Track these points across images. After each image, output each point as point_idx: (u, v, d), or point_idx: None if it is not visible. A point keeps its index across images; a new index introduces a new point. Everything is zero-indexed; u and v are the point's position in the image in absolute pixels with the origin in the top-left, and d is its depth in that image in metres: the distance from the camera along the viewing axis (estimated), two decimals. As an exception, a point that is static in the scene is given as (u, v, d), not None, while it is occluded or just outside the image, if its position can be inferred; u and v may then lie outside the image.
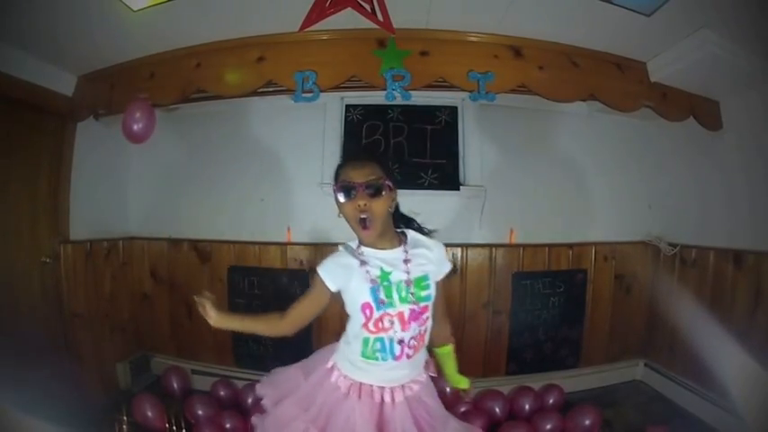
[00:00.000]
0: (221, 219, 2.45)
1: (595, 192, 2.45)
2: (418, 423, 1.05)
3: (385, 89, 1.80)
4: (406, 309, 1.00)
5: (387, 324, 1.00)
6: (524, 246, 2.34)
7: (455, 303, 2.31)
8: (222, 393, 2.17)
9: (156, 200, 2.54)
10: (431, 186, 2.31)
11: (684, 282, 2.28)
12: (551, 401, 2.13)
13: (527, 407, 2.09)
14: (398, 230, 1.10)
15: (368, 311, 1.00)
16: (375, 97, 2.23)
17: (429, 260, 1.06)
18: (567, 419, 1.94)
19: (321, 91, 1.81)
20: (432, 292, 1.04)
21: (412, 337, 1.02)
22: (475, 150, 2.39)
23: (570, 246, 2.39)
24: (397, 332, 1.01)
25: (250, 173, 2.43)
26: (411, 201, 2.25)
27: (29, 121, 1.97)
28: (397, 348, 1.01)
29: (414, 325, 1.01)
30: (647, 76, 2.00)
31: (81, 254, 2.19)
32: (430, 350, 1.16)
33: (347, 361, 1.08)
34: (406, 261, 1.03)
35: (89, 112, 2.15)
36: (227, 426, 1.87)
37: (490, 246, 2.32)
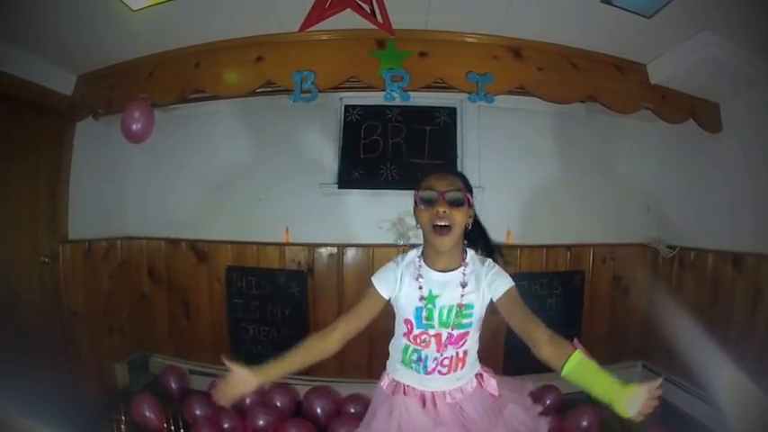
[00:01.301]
0: (219, 219, 2.45)
1: (594, 193, 2.45)
2: (463, 423, 1.07)
3: (384, 90, 1.79)
4: (444, 332, 1.04)
5: (423, 342, 1.06)
6: (522, 247, 2.34)
7: (453, 304, 2.32)
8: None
9: (155, 199, 2.54)
10: (430, 187, 2.31)
11: (683, 284, 2.28)
12: (548, 402, 2.13)
13: (525, 408, 2.09)
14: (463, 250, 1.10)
15: (408, 326, 1.07)
16: (374, 98, 2.22)
17: (478, 286, 1.05)
18: (564, 420, 1.94)
19: (320, 91, 1.81)
20: (473, 320, 1.06)
21: (446, 357, 1.06)
22: (473, 151, 2.39)
23: (568, 247, 2.39)
24: (432, 351, 1.06)
25: (248, 173, 2.43)
26: (409, 201, 2.27)
27: (28, 121, 1.97)
28: (431, 365, 1.06)
29: (450, 348, 1.06)
30: (646, 78, 2.00)
31: (79, 253, 2.19)
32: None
33: (394, 362, 1.14)
34: (461, 285, 1.05)
35: (88, 112, 2.15)
36: (226, 426, 1.88)
37: (488, 247, 2.32)
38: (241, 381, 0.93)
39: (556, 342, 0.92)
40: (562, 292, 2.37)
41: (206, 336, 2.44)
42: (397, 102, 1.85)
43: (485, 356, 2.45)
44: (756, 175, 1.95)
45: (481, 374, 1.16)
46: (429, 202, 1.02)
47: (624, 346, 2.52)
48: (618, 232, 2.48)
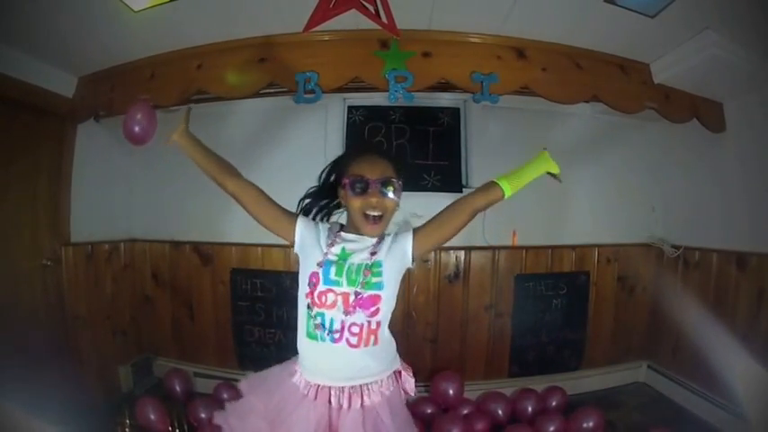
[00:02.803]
0: (223, 221, 2.43)
1: (598, 193, 2.45)
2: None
3: (387, 90, 1.79)
4: (351, 291, 0.97)
5: (329, 301, 0.97)
6: (527, 248, 2.34)
7: (458, 306, 2.31)
8: (225, 396, 2.16)
9: (158, 202, 2.53)
10: (433, 188, 2.31)
11: (687, 284, 2.28)
12: (554, 403, 2.13)
13: (529, 409, 2.08)
14: None
15: (314, 280, 0.99)
16: (377, 99, 2.22)
17: (389, 247, 1.03)
18: (569, 421, 1.94)
19: (323, 92, 1.79)
20: (384, 280, 0.99)
21: (355, 324, 0.97)
22: (477, 152, 2.38)
23: (573, 248, 2.39)
24: (338, 312, 0.97)
25: (252, 175, 2.40)
26: (413, 203, 2.26)
27: (29, 123, 1.96)
28: (337, 329, 0.97)
29: (360, 312, 0.97)
30: (650, 78, 1.99)
31: (82, 256, 2.18)
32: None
33: (301, 357, 1.06)
34: (371, 251, 1.02)
35: (89, 114, 2.13)
36: (230, 429, 1.87)
37: (493, 248, 2.31)
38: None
39: (476, 192, 1.09)
40: (567, 292, 2.36)
41: (210, 338, 2.43)
42: (401, 102, 1.84)
43: (491, 359, 2.46)
44: (760, 174, 1.95)
45: (399, 372, 1.09)
46: (361, 190, 0.99)
47: (629, 345, 2.52)
48: (622, 232, 2.47)
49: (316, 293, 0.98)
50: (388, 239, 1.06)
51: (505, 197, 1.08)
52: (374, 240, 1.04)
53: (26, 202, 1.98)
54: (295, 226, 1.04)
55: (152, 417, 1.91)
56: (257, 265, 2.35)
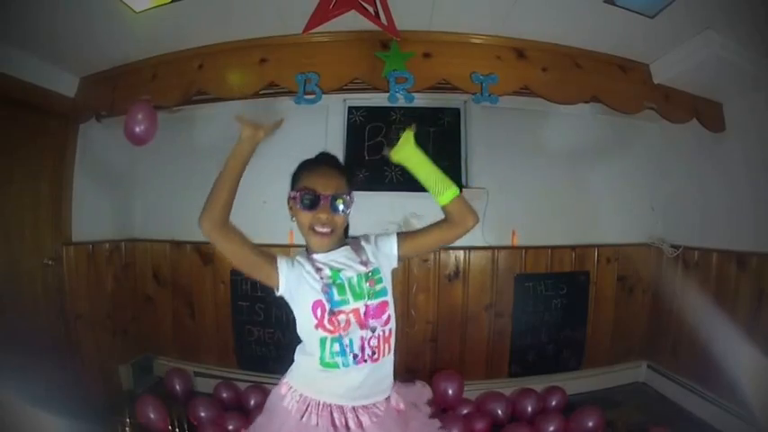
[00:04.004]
0: (223, 221, 2.44)
1: (598, 193, 2.45)
2: None
3: (388, 91, 1.79)
4: (360, 306, 0.94)
5: (342, 323, 0.92)
6: (527, 248, 2.34)
7: (457, 306, 2.31)
8: (225, 395, 2.17)
9: (159, 201, 2.54)
10: (433, 188, 2.31)
11: (687, 283, 2.28)
12: (554, 403, 2.13)
13: (529, 409, 2.09)
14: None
15: (319, 310, 0.93)
16: (378, 99, 2.22)
17: (373, 253, 1.01)
18: (569, 421, 1.94)
19: (323, 93, 1.80)
20: (385, 285, 0.97)
21: (373, 337, 0.94)
22: (477, 152, 2.38)
23: (573, 248, 2.39)
24: (355, 331, 0.93)
25: (252, 175, 2.41)
26: (413, 203, 2.28)
27: (31, 123, 1.97)
28: (358, 351, 0.93)
29: (373, 323, 0.94)
30: (650, 78, 2.00)
31: (83, 255, 2.19)
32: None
33: (302, 376, 1.00)
34: (358, 256, 0.99)
35: (91, 114, 2.14)
36: (230, 428, 1.88)
37: (492, 248, 2.32)
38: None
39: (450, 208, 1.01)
40: (567, 292, 2.37)
41: (210, 338, 2.44)
42: (401, 103, 1.84)
43: (491, 359, 2.47)
44: (759, 174, 1.95)
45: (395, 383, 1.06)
46: (310, 206, 0.94)
47: (629, 345, 2.52)
48: (622, 232, 2.48)
49: (326, 321, 0.92)
50: (367, 246, 1.03)
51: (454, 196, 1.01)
52: (348, 248, 1.01)
53: (27, 202, 1.98)
54: (277, 271, 0.97)
55: (152, 416, 1.92)
56: (258, 265, 2.35)
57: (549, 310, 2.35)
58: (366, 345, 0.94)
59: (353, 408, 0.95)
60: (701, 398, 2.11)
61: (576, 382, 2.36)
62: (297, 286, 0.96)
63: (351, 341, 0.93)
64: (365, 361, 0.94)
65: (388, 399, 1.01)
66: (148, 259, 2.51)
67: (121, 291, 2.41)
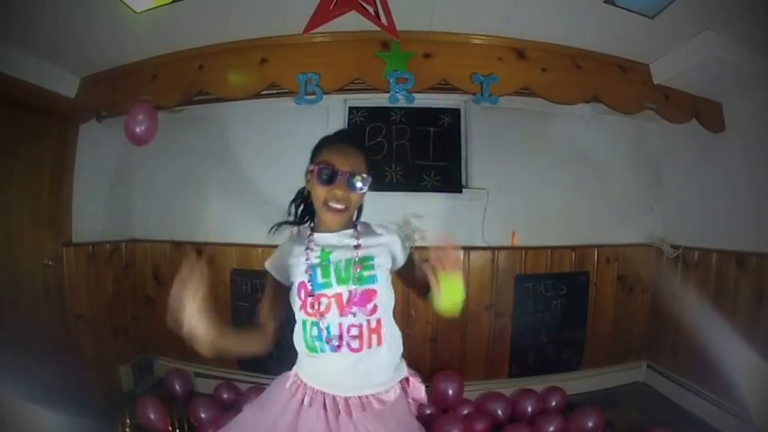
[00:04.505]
0: (224, 221, 2.44)
1: (598, 194, 2.45)
2: None
3: (388, 91, 1.79)
4: (344, 291, 0.91)
5: (323, 307, 0.91)
6: (527, 248, 2.34)
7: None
8: (225, 396, 2.17)
9: (159, 202, 2.54)
10: (433, 189, 2.31)
11: (687, 284, 2.28)
12: (554, 404, 2.13)
13: (529, 409, 2.09)
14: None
15: (302, 292, 0.93)
16: (378, 99, 2.22)
17: (378, 243, 0.99)
18: (569, 421, 1.94)
19: (324, 93, 1.80)
20: (377, 273, 0.94)
21: (354, 325, 0.90)
22: (477, 153, 2.39)
23: (573, 248, 2.39)
24: (333, 317, 0.91)
25: (253, 175, 2.43)
26: (413, 203, 2.28)
27: (31, 123, 1.97)
28: (336, 338, 0.90)
29: (356, 310, 0.90)
30: (650, 78, 2.00)
31: (83, 256, 2.19)
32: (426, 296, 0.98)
33: (298, 362, 1.01)
34: (353, 241, 0.98)
35: (91, 114, 2.14)
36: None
37: (492, 248, 2.32)
38: (194, 322, 0.82)
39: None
40: (567, 292, 2.37)
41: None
42: (402, 103, 1.85)
43: (491, 359, 2.47)
44: (759, 174, 1.96)
45: (407, 379, 1.02)
46: (327, 181, 0.92)
47: (629, 345, 2.52)
48: (622, 233, 2.48)
49: (308, 303, 0.92)
50: (376, 236, 1.01)
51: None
52: (351, 232, 0.99)
53: (28, 202, 1.98)
54: (271, 274, 0.99)
55: (152, 416, 1.92)
56: (258, 265, 2.35)
57: (548, 311, 2.35)
58: (344, 332, 0.90)
59: (346, 398, 0.93)
60: (701, 398, 2.11)
61: (575, 383, 2.36)
62: (289, 271, 0.97)
63: (328, 326, 0.91)
64: (344, 349, 0.90)
65: (392, 392, 0.97)
66: (148, 259, 2.51)
67: (121, 291, 2.41)
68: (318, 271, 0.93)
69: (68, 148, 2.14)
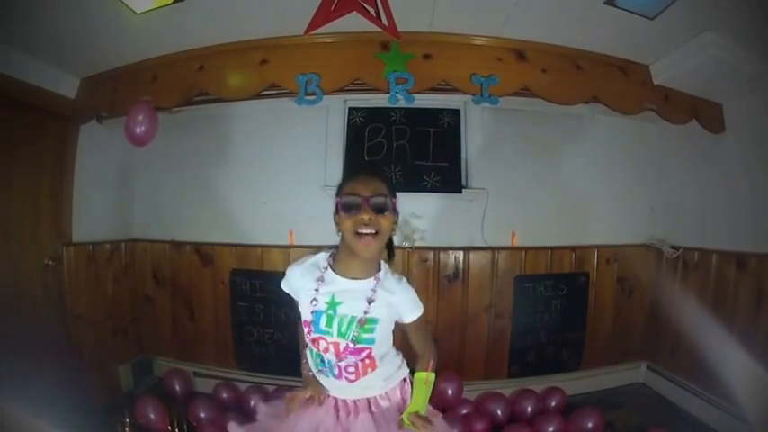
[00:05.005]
0: (224, 221, 2.45)
1: (598, 194, 2.46)
2: None
3: (388, 92, 1.79)
4: (342, 342, 0.98)
5: (322, 347, 1.01)
6: (526, 249, 2.34)
7: (457, 306, 2.32)
8: (224, 396, 2.17)
9: (159, 202, 2.54)
10: (433, 189, 2.31)
11: (687, 284, 2.28)
12: (553, 404, 2.13)
13: (529, 409, 2.09)
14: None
15: (308, 329, 1.02)
16: (378, 100, 2.23)
17: (388, 304, 1.00)
18: (568, 422, 1.94)
19: (324, 94, 1.80)
20: (375, 335, 0.98)
21: (350, 365, 1.01)
22: (477, 153, 2.39)
23: (572, 248, 2.39)
24: (331, 356, 1.00)
25: (253, 176, 2.43)
26: (413, 203, 2.28)
27: (31, 124, 1.97)
28: (335, 370, 1.02)
29: (351, 357, 0.99)
30: (650, 79, 2.00)
31: (83, 256, 2.19)
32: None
33: (310, 362, 1.10)
34: (367, 299, 0.99)
35: (92, 115, 2.15)
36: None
37: (492, 249, 2.32)
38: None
39: (424, 363, 1.08)
40: (567, 293, 2.37)
41: (210, 338, 2.44)
42: (402, 104, 1.85)
43: (491, 359, 2.47)
44: (759, 175, 1.96)
45: (406, 380, 1.11)
46: (352, 209, 0.94)
47: (628, 346, 2.53)
48: (622, 233, 2.48)
49: (310, 339, 1.02)
50: (390, 294, 1.01)
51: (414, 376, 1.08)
52: (371, 282, 1.00)
53: (28, 203, 1.98)
54: (296, 295, 1.07)
55: (152, 416, 1.92)
56: (257, 265, 2.36)
57: (548, 311, 2.35)
58: (343, 371, 1.02)
59: (354, 400, 1.06)
60: (701, 399, 2.11)
61: (575, 383, 2.36)
62: (300, 295, 1.05)
63: (330, 361, 1.02)
64: (343, 379, 1.03)
65: (396, 390, 1.09)
66: (148, 260, 2.51)
67: (121, 291, 2.41)
68: (323, 318, 0.99)
69: (69, 149, 2.15)
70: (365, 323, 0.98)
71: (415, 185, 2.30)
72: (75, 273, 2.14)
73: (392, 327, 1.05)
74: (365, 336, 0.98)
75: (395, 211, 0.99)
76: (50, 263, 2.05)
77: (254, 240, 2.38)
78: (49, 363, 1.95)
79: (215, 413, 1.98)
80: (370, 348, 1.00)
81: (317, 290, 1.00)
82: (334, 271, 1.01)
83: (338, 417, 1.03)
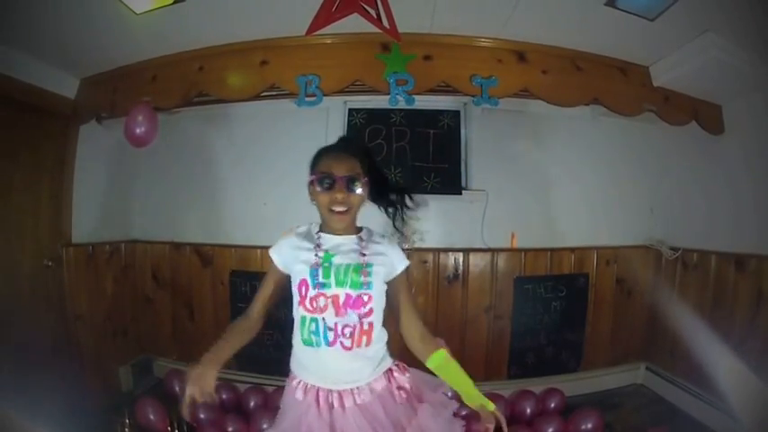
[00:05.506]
0: (223, 222, 2.44)
1: (597, 195, 2.45)
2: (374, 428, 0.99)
3: (388, 93, 1.80)
4: (341, 293, 0.99)
5: (321, 304, 0.98)
6: (526, 250, 2.34)
7: (457, 307, 2.32)
8: (224, 397, 2.17)
9: (159, 203, 2.54)
10: (433, 190, 2.32)
11: (686, 285, 2.29)
12: (552, 405, 2.13)
13: (528, 410, 2.08)
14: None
15: (303, 289, 1.00)
16: (378, 101, 2.23)
17: (379, 252, 1.05)
18: (568, 423, 1.94)
19: (324, 95, 1.81)
20: (373, 280, 1.01)
21: (347, 325, 0.99)
22: (477, 154, 2.39)
23: (572, 250, 2.39)
24: (330, 315, 0.98)
25: (252, 177, 2.43)
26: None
27: (31, 124, 1.97)
28: (330, 333, 0.98)
29: (350, 312, 0.99)
30: (649, 80, 2.01)
31: (83, 257, 2.19)
32: (426, 369, 1.07)
33: (297, 361, 1.07)
34: (357, 248, 1.04)
35: (92, 115, 2.14)
36: (230, 429, 1.88)
37: (492, 250, 2.32)
38: (201, 377, 0.91)
39: (427, 339, 1.07)
40: (566, 294, 2.37)
41: (210, 339, 2.36)
42: (402, 105, 1.85)
43: (490, 360, 2.47)
44: (758, 176, 1.96)
45: (391, 370, 1.08)
46: (327, 187, 1.00)
47: (628, 347, 2.53)
48: (621, 234, 2.48)
49: (307, 300, 1.00)
50: (377, 244, 1.06)
51: (427, 365, 1.06)
52: (355, 239, 1.06)
53: (28, 203, 1.98)
54: (275, 264, 1.08)
55: (152, 417, 1.92)
56: (257, 267, 2.35)
57: (548, 312, 2.35)
58: (339, 331, 0.99)
59: (339, 391, 1.00)
60: (700, 400, 2.11)
61: (574, 384, 2.36)
62: (291, 264, 1.05)
63: (325, 323, 0.99)
64: (338, 345, 0.98)
65: (380, 381, 1.04)
66: (148, 260, 2.51)
67: (121, 292, 2.41)
68: (320, 271, 1.00)
69: (68, 149, 2.14)
70: (362, 267, 1.01)
71: (415, 187, 2.30)
72: (75, 273, 2.14)
73: (384, 281, 1.05)
74: (363, 279, 1.00)
75: (366, 187, 1.04)
76: (50, 263, 2.04)
77: (254, 242, 2.37)
78: (48, 363, 1.95)
79: (215, 414, 1.97)
80: (371, 296, 1.00)
81: (317, 246, 1.03)
82: (324, 232, 1.07)
83: (319, 410, 0.99)
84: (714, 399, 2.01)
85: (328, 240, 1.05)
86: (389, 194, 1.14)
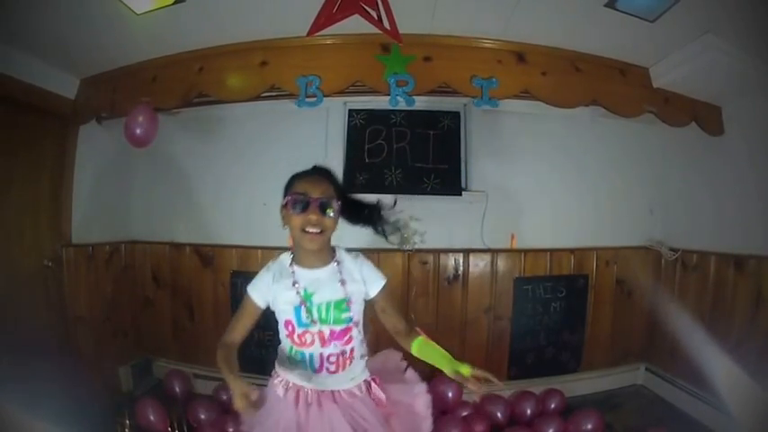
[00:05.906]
0: (223, 223, 2.44)
1: (597, 196, 2.46)
2: (353, 425, 1.04)
3: (388, 94, 1.80)
4: (326, 329, 1.05)
5: (308, 340, 1.05)
6: (526, 251, 2.35)
7: (457, 308, 2.32)
8: (224, 397, 2.16)
9: (159, 203, 2.53)
10: (433, 191, 2.31)
11: (685, 286, 2.29)
12: (553, 406, 2.14)
13: (528, 411, 2.09)
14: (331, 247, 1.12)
15: (290, 327, 1.06)
16: (378, 102, 2.22)
17: (354, 280, 1.08)
18: (568, 423, 1.95)
19: (324, 96, 1.81)
20: (352, 314, 1.06)
21: (332, 354, 1.06)
22: (477, 155, 2.39)
23: (572, 251, 2.40)
24: (316, 348, 1.05)
25: (252, 177, 2.43)
26: (413, 206, 2.28)
27: (31, 124, 1.97)
28: (317, 363, 1.06)
29: (335, 343, 1.05)
30: (649, 82, 2.01)
31: (83, 257, 2.18)
32: (410, 356, 1.13)
33: (282, 359, 1.12)
34: (337, 276, 1.07)
35: (91, 116, 2.14)
36: (230, 430, 1.87)
37: (492, 251, 2.32)
38: (236, 388, 0.91)
39: (408, 331, 1.13)
40: (566, 295, 2.37)
41: (210, 340, 2.43)
42: (402, 106, 1.85)
43: (490, 361, 2.47)
44: (758, 177, 1.96)
45: (369, 382, 1.13)
46: (301, 208, 1.01)
47: (627, 348, 2.53)
48: (621, 235, 2.48)
49: (295, 335, 1.06)
50: (351, 264, 1.09)
51: (412, 352, 1.11)
52: (331, 268, 1.07)
53: (28, 203, 1.98)
54: (254, 301, 1.08)
55: (152, 418, 1.91)
56: (257, 267, 2.30)
57: (548, 313, 2.36)
58: (325, 361, 1.06)
59: (318, 392, 1.06)
60: (700, 401, 2.12)
61: (574, 385, 2.36)
62: (274, 301, 1.08)
63: (311, 355, 1.06)
64: (324, 372, 1.06)
65: (360, 387, 1.10)
66: (148, 261, 2.51)
67: (121, 292, 2.41)
68: (303, 312, 1.04)
69: (68, 150, 2.14)
70: (343, 301, 1.06)
71: (415, 188, 2.30)
72: (75, 274, 2.14)
73: (363, 308, 1.10)
74: (344, 315, 1.05)
75: (338, 213, 1.05)
76: (50, 264, 2.04)
77: (255, 242, 2.37)
78: (48, 364, 1.94)
79: (215, 415, 1.97)
80: (351, 329, 1.06)
81: (295, 284, 1.05)
82: (299, 266, 1.08)
83: (297, 408, 1.04)
84: (713, 399, 2.01)
85: (304, 276, 1.06)
86: (364, 213, 1.15)
